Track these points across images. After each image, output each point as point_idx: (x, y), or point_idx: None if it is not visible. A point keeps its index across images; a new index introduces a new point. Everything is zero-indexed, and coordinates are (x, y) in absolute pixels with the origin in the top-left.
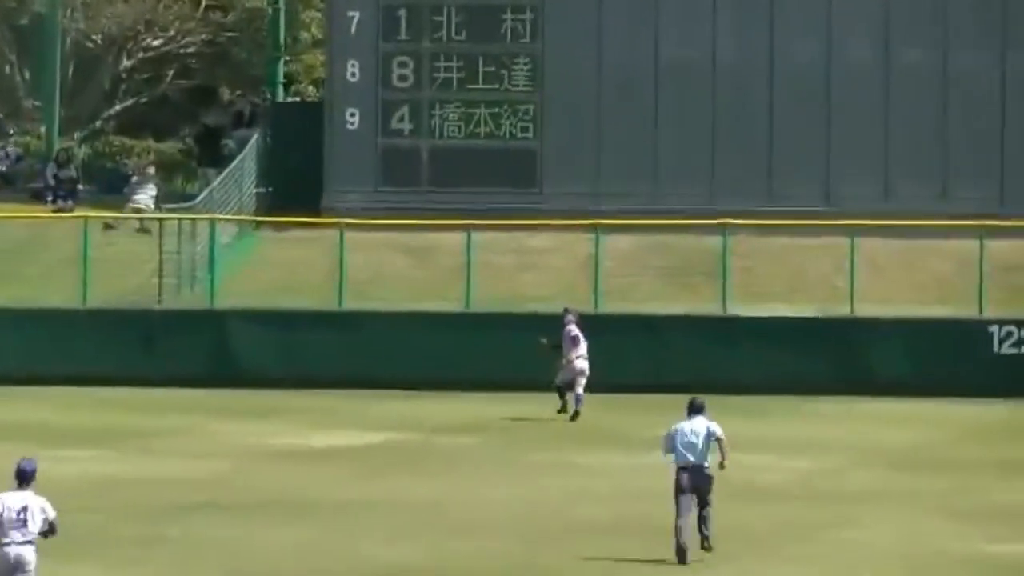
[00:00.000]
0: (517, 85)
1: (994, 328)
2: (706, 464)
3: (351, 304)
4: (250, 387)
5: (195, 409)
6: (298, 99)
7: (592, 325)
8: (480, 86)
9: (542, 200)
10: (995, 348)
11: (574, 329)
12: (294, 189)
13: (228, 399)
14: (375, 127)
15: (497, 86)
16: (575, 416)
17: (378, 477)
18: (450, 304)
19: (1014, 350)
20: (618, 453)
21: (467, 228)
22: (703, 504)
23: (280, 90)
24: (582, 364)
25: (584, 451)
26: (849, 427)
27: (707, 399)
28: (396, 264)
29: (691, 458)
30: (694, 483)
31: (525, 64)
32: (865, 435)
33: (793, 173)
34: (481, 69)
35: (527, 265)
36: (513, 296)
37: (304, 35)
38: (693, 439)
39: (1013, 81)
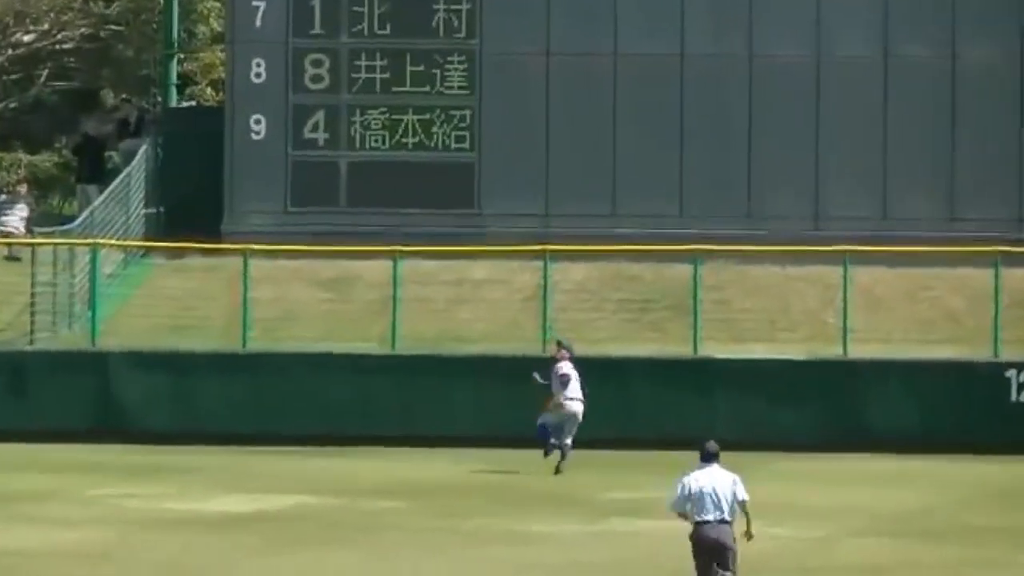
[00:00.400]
0: (451, 87)
1: (1011, 372)
2: (729, 519)
3: (257, 345)
4: (138, 442)
5: (72, 468)
6: (194, 104)
7: (540, 368)
8: (408, 89)
9: (481, 223)
10: (1012, 396)
11: (565, 366)
12: (190, 210)
13: (112, 456)
14: (284, 137)
15: (428, 88)
16: (558, 470)
17: (289, 549)
18: (374, 345)
19: None
20: (573, 519)
21: (393, 255)
22: (724, 567)
23: (173, 93)
24: (576, 406)
25: (534, 517)
26: (841, 488)
27: (676, 456)
28: (310, 298)
29: (713, 512)
30: (719, 540)
31: (461, 63)
32: (859, 498)
33: (777, 191)
34: (409, 69)
35: (464, 299)
36: (448, 335)
37: (202, 29)
38: (713, 490)
39: None
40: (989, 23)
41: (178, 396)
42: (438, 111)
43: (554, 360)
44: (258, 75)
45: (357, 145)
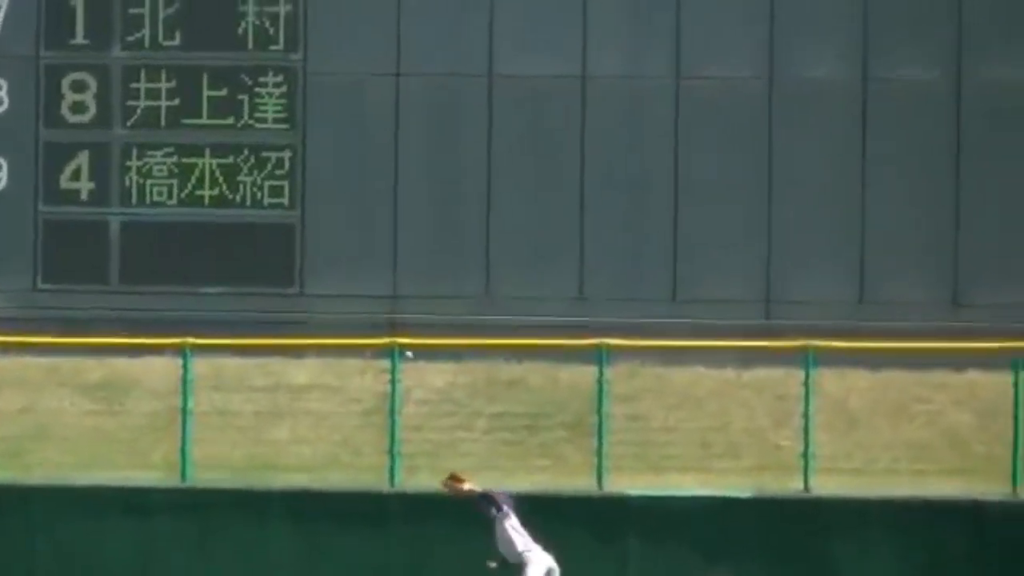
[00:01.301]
0: (264, 119)
1: None
2: None
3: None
4: None
5: None
6: None
7: (386, 510)
8: (205, 121)
9: (305, 306)
10: None
11: (512, 517)
12: None
13: None
14: (34, 187)
15: (232, 121)
16: None
17: None
18: (157, 475)
19: None
20: None
21: (183, 351)
22: None
23: None
24: (544, 557)
25: None
26: None
27: None
28: (69, 409)
29: None
30: None
31: (277, 85)
32: None
33: (713, 263)
34: (206, 93)
35: (281, 411)
36: (258, 462)
37: None
38: None
39: None
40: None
41: None
42: (246, 152)
43: (491, 515)
44: None
45: (134, 199)
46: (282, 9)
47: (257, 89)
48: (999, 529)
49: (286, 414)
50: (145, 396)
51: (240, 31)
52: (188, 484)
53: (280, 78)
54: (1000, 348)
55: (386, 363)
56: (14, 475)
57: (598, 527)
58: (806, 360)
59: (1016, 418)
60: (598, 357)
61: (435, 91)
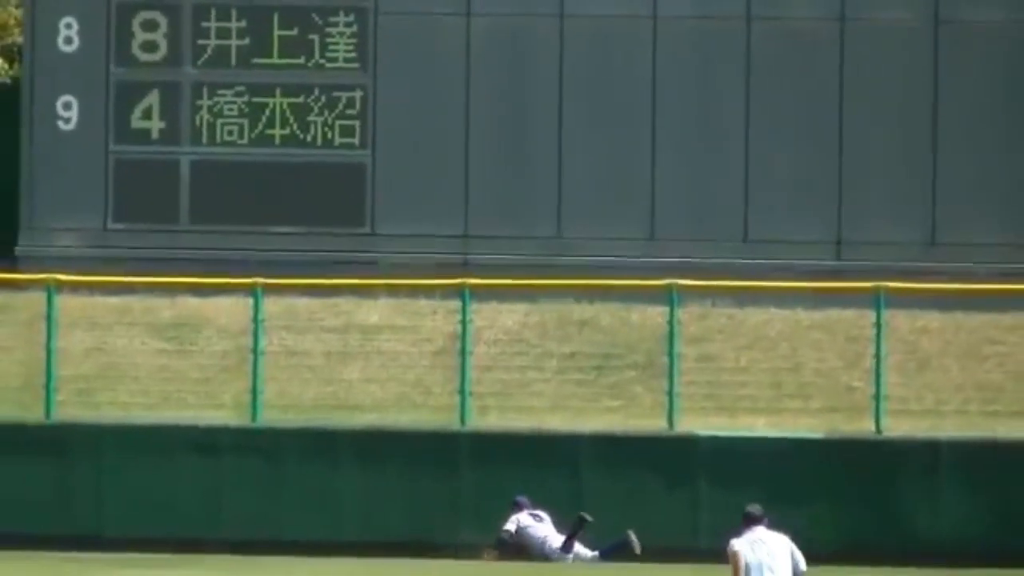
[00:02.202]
0: (335, 59)
1: None
2: None
3: (65, 414)
4: None
5: None
6: None
7: (456, 451)
8: (275, 61)
9: (375, 246)
10: None
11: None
12: None
13: None
14: (104, 126)
15: (303, 61)
16: None
17: None
18: (227, 415)
19: None
20: None
21: (253, 291)
22: None
23: None
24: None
25: None
26: None
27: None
28: (139, 349)
29: None
30: None
31: (348, 26)
32: None
33: (784, 205)
34: (277, 33)
35: (351, 352)
36: (329, 402)
37: None
38: (770, 557)
39: None
40: None
41: None
42: (316, 92)
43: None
44: (68, 40)
45: (204, 139)
46: None
47: (328, 29)
48: None
49: (357, 354)
50: (216, 336)
51: None
52: (258, 424)
53: (351, 18)
54: None
55: (456, 304)
56: (85, 415)
57: (668, 468)
58: (877, 301)
59: None
60: (669, 297)
61: (506, 31)
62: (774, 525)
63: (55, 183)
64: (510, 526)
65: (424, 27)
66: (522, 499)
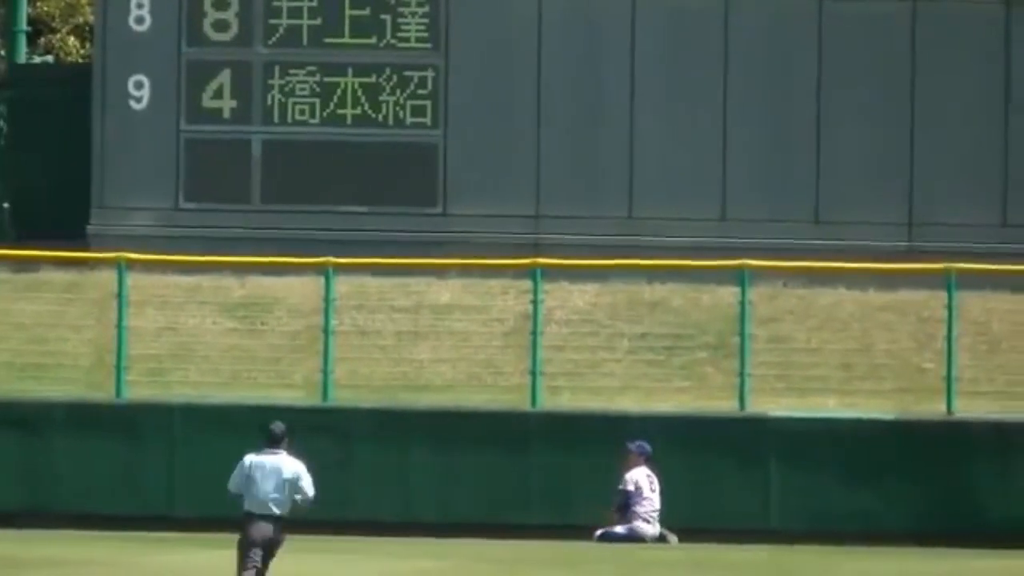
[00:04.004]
0: (407, 40)
1: None
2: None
3: (136, 394)
4: None
5: None
6: (51, 59)
7: (528, 430)
8: (347, 40)
9: (447, 226)
10: None
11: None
12: (45, 205)
13: None
14: (176, 106)
15: (375, 41)
16: None
17: None
18: (298, 395)
19: None
20: None
21: (324, 270)
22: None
23: (22, 44)
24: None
25: None
26: None
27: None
28: (210, 328)
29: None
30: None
31: (420, 5)
32: None
33: (856, 186)
34: (348, 13)
35: (423, 331)
36: (400, 382)
37: None
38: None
39: None
40: None
41: (28, 465)
42: (388, 72)
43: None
44: (139, 20)
45: (276, 118)
46: None
47: (400, 8)
48: None
49: (428, 334)
50: (286, 315)
51: None
52: (329, 404)
53: None
54: None
55: (527, 284)
56: (156, 393)
57: (739, 448)
58: (948, 282)
59: None
60: (740, 278)
61: (579, 10)
62: (840, 510)
63: (127, 163)
64: (629, 486)
65: (496, 7)
66: (642, 446)
